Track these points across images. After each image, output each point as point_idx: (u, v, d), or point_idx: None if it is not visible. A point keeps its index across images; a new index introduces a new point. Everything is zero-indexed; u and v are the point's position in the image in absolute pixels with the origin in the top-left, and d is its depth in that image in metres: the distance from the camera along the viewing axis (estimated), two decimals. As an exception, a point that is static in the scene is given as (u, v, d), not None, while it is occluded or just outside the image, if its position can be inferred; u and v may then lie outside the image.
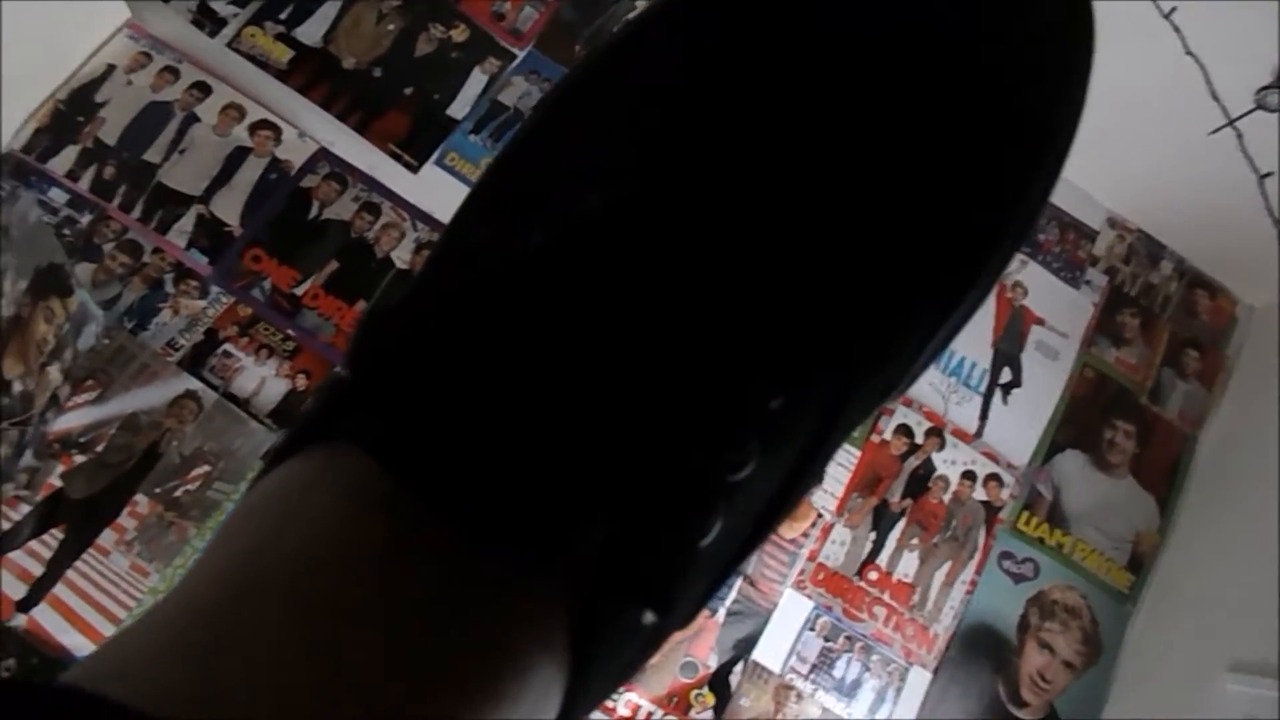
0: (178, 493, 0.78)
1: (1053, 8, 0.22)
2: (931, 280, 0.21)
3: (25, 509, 0.77)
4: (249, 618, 0.15)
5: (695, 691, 0.83)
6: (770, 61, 0.21)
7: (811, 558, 0.88)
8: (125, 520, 0.77)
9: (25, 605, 0.75)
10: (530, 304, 0.18)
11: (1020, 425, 0.97)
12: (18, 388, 0.77)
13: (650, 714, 0.82)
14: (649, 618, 0.18)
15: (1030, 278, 1.02)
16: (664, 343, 0.18)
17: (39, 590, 0.75)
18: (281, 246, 0.86)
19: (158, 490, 0.78)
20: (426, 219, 0.89)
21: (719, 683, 0.83)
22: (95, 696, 0.13)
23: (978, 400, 0.96)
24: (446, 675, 0.16)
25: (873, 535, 0.90)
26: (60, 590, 0.75)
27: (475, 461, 0.17)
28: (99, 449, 0.78)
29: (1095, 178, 1.05)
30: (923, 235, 0.21)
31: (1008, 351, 0.99)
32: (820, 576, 0.88)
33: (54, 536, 0.77)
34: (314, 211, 0.87)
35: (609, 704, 0.81)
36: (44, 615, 0.75)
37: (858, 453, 0.92)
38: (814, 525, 0.89)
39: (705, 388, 0.18)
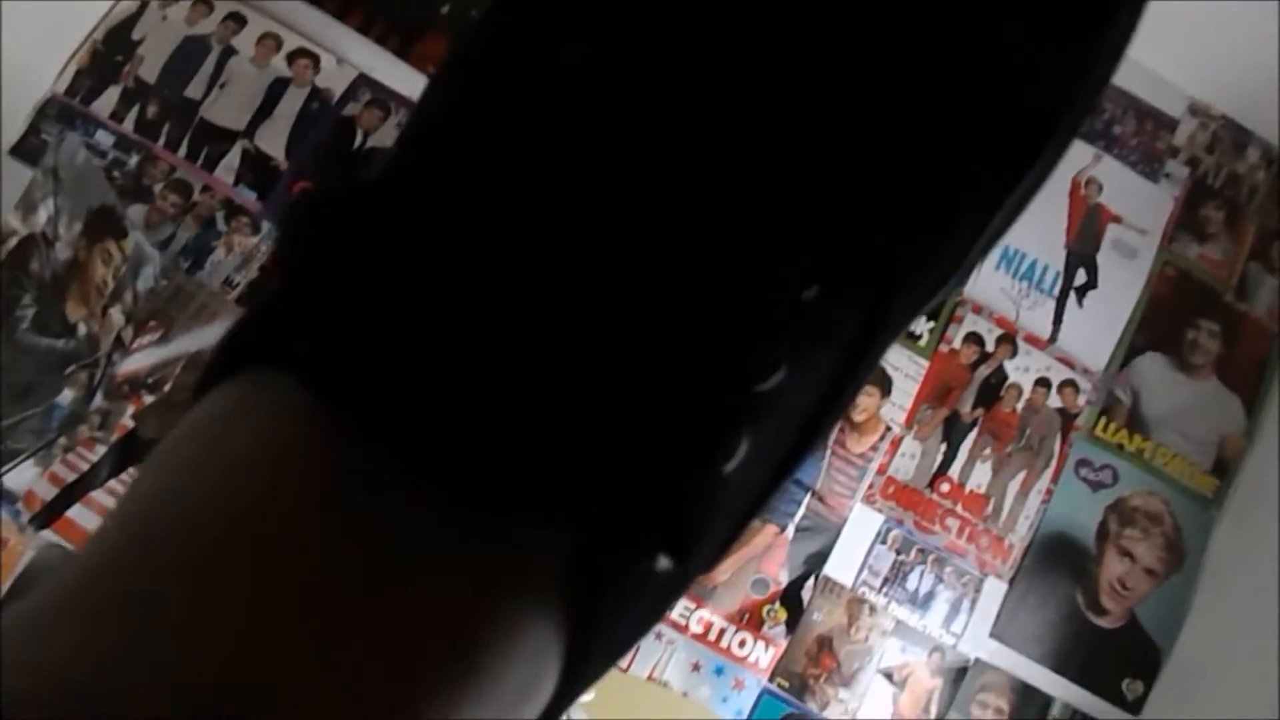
0: (245, 428, 0.79)
1: None
2: (990, 147, 0.18)
3: (101, 450, 0.78)
4: (154, 586, 0.12)
5: (767, 607, 0.82)
6: None
7: (881, 471, 0.86)
8: (197, 457, 0.78)
9: (109, 542, 0.77)
10: (501, 178, 0.14)
11: (1096, 329, 0.92)
12: (82, 330, 0.78)
13: (723, 630, 0.81)
14: (664, 563, 0.15)
15: (1105, 173, 0.96)
16: (669, 218, 0.15)
17: (121, 527, 0.77)
18: (329, 178, 0.84)
19: (226, 427, 0.79)
20: (472, 142, 0.87)
21: (791, 598, 0.83)
22: None
23: (1051, 304, 0.92)
24: (411, 640, 0.13)
25: (944, 447, 0.88)
26: (141, 526, 0.77)
27: (429, 382, 0.13)
28: (166, 388, 0.79)
29: (1174, 61, 0.98)
30: (977, 101, 0.18)
31: (1082, 252, 0.94)
32: (890, 490, 0.86)
33: (131, 475, 0.78)
34: (359, 140, 0.85)
35: (680, 620, 0.81)
36: (128, 551, 0.77)
37: (926, 363, 0.89)
38: (883, 438, 0.87)
39: (721, 273, 0.15)
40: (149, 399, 0.79)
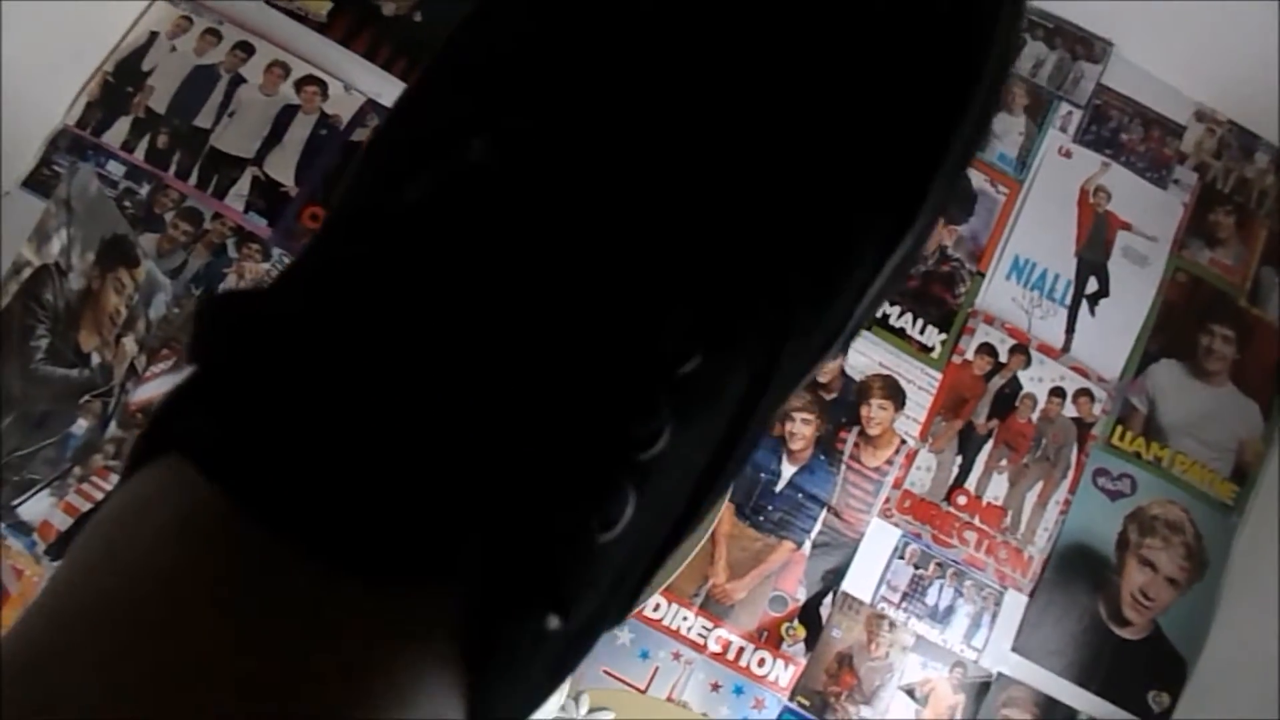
0: (259, 454, 0.79)
1: None
2: (867, 215, 0.19)
3: (115, 479, 0.78)
4: (59, 664, 0.13)
5: (786, 625, 0.82)
6: None
7: (897, 485, 0.86)
8: (211, 484, 0.78)
9: (124, 571, 0.77)
10: (395, 269, 0.15)
11: (1110, 337, 0.92)
12: (96, 360, 0.78)
13: (741, 649, 0.81)
14: (554, 623, 0.15)
15: (1113, 181, 0.97)
16: (554, 298, 0.15)
17: (136, 556, 0.77)
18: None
19: (239, 453, 0.79)
20: (480, 164, 0.87)
21: (809, 615, 0.82)
22: None
23: (1063, 313, 0.92)
24: (307, 707, 0.13)
25: (959, 459, 0.87)
26: (156, 555, 0.77)
27: (315, 463, 0.14)
28: (179, 416, 0.79)
29: (1179, 68, 0.99)
30: (854, 169, 0.18)
31: (1093, 260, 0.94)
32: (907, 504, 0.86)
33: (145, 504, 0.78)
34: (367, 165, 0.86)
35: (698, 640, 0.80)
36: (143, 580, 0.77)
37: (939, 375, 0.88)
38: (898, 452, 0.86)
39: (600, 348, 0.15)
40: (162, 427, 0.79)
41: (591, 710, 0.71)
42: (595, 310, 0.15)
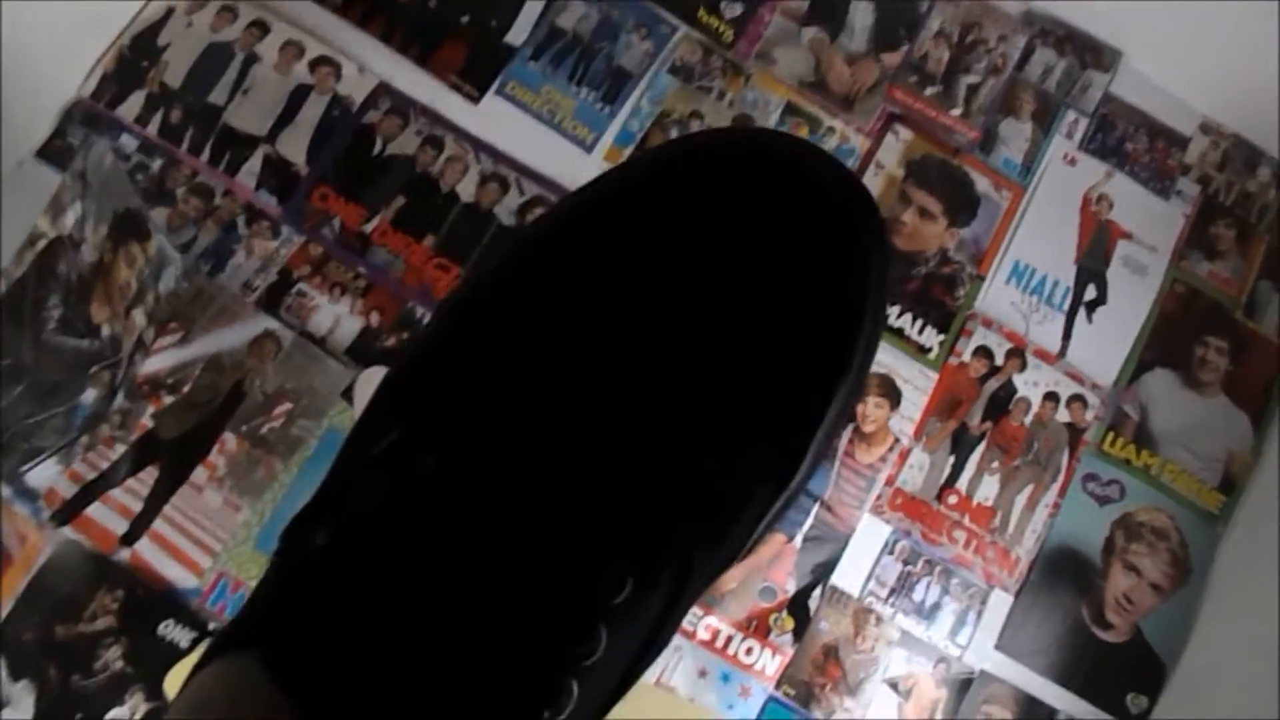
0: (263, 430, 0.82)
1: (832, 261, 0.26)
2: (757, 478, 0.26)
3: (121, 449, 0.81)
4: None
5: (774, 616, 0.85)
6: (583, 339, 0.25)
7: (889, 482, 0.89)
8: (215, 458, 0.81)
9: (128, 539, 0.79)
10: (377, 554, 0.22)
11: (1106, 344, 0.95)
12: (106, 332, 0.81)
13: (730, 637, 0.84)
14: None
15: (1117, 189, 0.99)
16: (516, 561, 0.22)
17: (140, 525, 0.80)
18: (348, 184, 0.87)
19: (244, 428, 0.82)
20: (490, 151, 0.90)
21: (798, 607, 0.85)
22: None
23: (1061, 319, 0.94)
24: None
25: (952, 459, 0.90)
26: (159, 525, 0.80)
27: (358, 696, 0.21)
28: (186, 389, 0.82)
29: (1187, 80, 1.01)
30: (746, 441, 0.25)
31: (1092, 268, 0.97)
32: (898, 501, 0.88)
33: (150, 474, 0.81)
34: (378, 148, 0.88)
35: (688, 627, 0.83)
36: (146, 549, 0.80)
37: (935, 375, 0.91)
38: (891, 450, 0.89)
39: (555, 594, 0.22)
40: (168, 399, 0.82)
41: (582, 691, 0.73)
42: (547, 568, 0.22)
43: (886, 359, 0.90)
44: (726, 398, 0.25)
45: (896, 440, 0.89)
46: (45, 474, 0.80)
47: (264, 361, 0.82)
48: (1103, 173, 0.99)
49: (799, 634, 0.85)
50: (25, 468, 0.79)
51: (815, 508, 0.87)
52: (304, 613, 0.23)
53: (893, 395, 0.90)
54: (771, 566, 0.85)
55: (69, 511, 0.80)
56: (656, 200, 0.26)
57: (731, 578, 0.84)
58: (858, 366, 0.28)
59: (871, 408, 0.89)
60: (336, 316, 0.84)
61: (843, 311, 0.27)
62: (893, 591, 0.87)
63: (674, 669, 0.82)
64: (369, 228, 0.86)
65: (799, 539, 0.86)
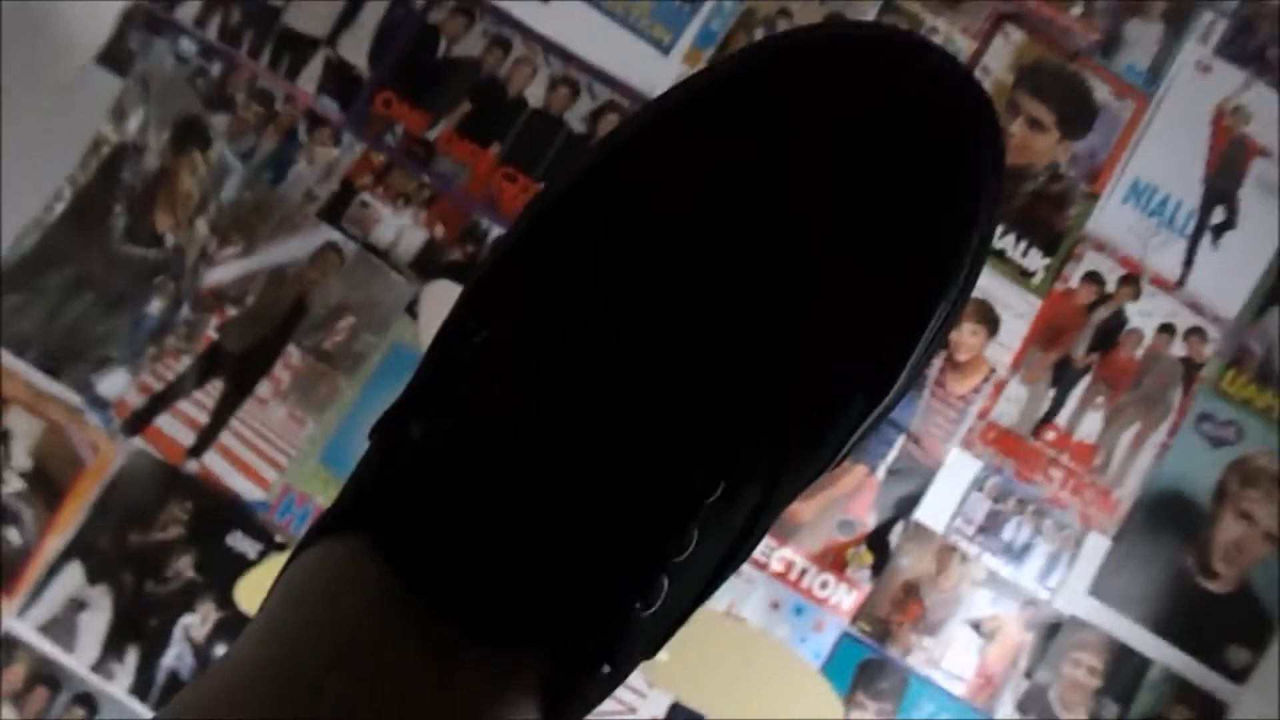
0: (326, 344, 0.81)
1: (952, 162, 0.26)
2: (850, 392, 0.26)
3: (187, 361, 0.81)
4: (277, 699, 0.21)
5: (852, 550, 0.82)
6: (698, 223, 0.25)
7: (982, 415, 0.84)
8: (280, 372, 0.81)
9: (195, 452, 0.80)
10: (501, 449, 0.23)
11: (1232, 272, 0.87)
12: (170, 241, 0.80)
13: (805, 570, 0.81)
14: (606, 670, 0.24)
15: (1254, 101, 0.90)
16: (616, 463, 0.23)
17: (206, 438, 0.80)
18: (411, 89, 0.84)
19: (307, 342, 0.81)
20: (560, 52, 0.85)
21: (878, 542, 0.82)
22: None
23: (1182, 244, 0.87)
24: None
25: (1052, 393, 0.85)
26: (226, 438, 0.80)
27: (465, 571, 0.22)
28: (249, 302, 0.81)
29: (1347, -29, 0.90)
30: (843, 347, 0.26)
31: (1222, 188, 0.88)
32: (991, 435, 0.84)
33: (215, 387, 0.81)
34: (442, 49, 0.85)
35: (760, 558, 0.81)
36: (213, 461, 0.80)
37: (1038, 302, 0.85)
38: (986, 380, 0.84)
39: (652, 490, 0.23)
40: (232, 312, 0.81)
41: (649, 620, 0.72)
42: (642, 464, 0.23)
43: (984, 282, 0.85)
44: (825, 303, 0.26)
45: (992, 370, 0.84)
46: (115, 384, 0.81)
47: (326, 274, 0.81)
48: (1239, 82, 0.90)
49: (878, 570, 0.82)
50: (96, 377, 0.80)
51: (900, 439, 0.83)
52: (404, 495, 0.23)
53: (990, 322, 0.84)
54: (851, 499, 0.82)
55: (138, 422, 0.81)
56: (746, 110, 0.26)
57: (808, 509, 0.82)
58: (963, 280, 0.27)
59: (966, 334, 0.84)
60: (400, 228, 0.82)
61: (951, 222, 0.26)
62: (980, 530, 0.83)
63: (745, 600, 0.81)
64: (433, 135, 0.83)
65: (881, 471, 0.83)
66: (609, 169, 0.27)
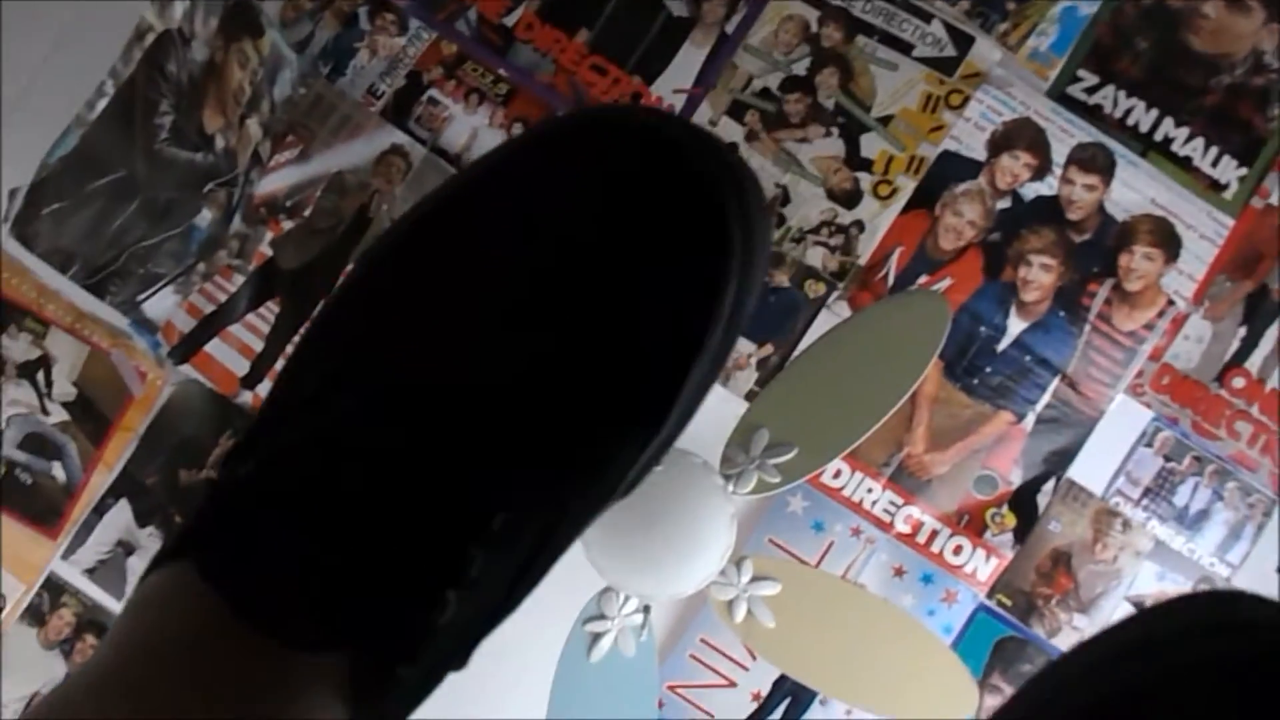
0: (392, 263, 0.76)
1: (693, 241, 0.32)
2: (621, 427, 0.32)
3: (239, 279, 0.77)
4: (118, 701, 0.27)
5: (993, 511, 0.74)
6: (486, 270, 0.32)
7: (1155, 356, 0.75)
8: (340, 293, 0.76)
9: (250, 381, 0.77)
10: (306, 488, 0.29)
11: None
12: (220, 143, 0.76)
13: (935, 532, 0.74)
14: (405, 671, 0.30)
15: None
16: (404, 496, 0.29)
17: (261, 366, 0.77)
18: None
19: (371, 260, 0.76)
20: (657, -77, 0.77)
21: (1023, 502, 0.75)
22: None
23: None
24: None
25: (1242, 331, 0.75)
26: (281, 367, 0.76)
27: (272, 589, 0.28)
28: (306, 213, 0.77)
29: None
30: (612, 389, 0.32)
31: None
32: (1165, 380, 0.75)
33: (270, 310, 0.77)
34: (519, -78, 0.78)
35: (884, 517, 0.74)
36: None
37: (1230, 222, 0.75)
38: (1161, 315, 0.75)
39: (430, 522, 0.29)
40: (287, 224, 0.78)
41: (754, 579, 0.66)
42: (428, 497, 0.29)
43: (1164, 197, 0.75)
44: (594, 352, 0.31)
45: (1170, 303, 0.75)
46: (163, 305, 0.78)
47: (391, 182, 0.76)
48: None
49: (1022, 535, 0.74)
50: (142, 296, 0.77)
51: (1054, 382, 0.74)
52: (230, 527, 0.29)
53: (1169, 244, 0.75)
54: (993, 451, 0.74)
55: (188, 348, 0.78)
56: (525, 186, 0.32)
57: (942, 460, 0.74)
58: (725, 325, 0.32)
59: (1139, 259, 0.74)
60: (473, 129, 0.77)
61: (704, 275, 0.31)
62: (1147, 492, 0.75)
63: (864, 564, 0.74)
64: (511, 20, 0.78)
65: (1030, 420, 0.74)
66: (414, 242, 0.33)
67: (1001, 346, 0.75)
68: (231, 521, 0.29)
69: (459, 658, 0.32)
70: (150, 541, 0.77)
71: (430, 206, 0.33)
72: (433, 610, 0.29)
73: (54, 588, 0.77)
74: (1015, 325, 0.75)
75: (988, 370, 0.75)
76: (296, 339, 0.73)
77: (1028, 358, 0.75)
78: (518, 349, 0.30)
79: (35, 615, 0.77)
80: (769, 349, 0.76)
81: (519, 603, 0.33)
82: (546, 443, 0.31)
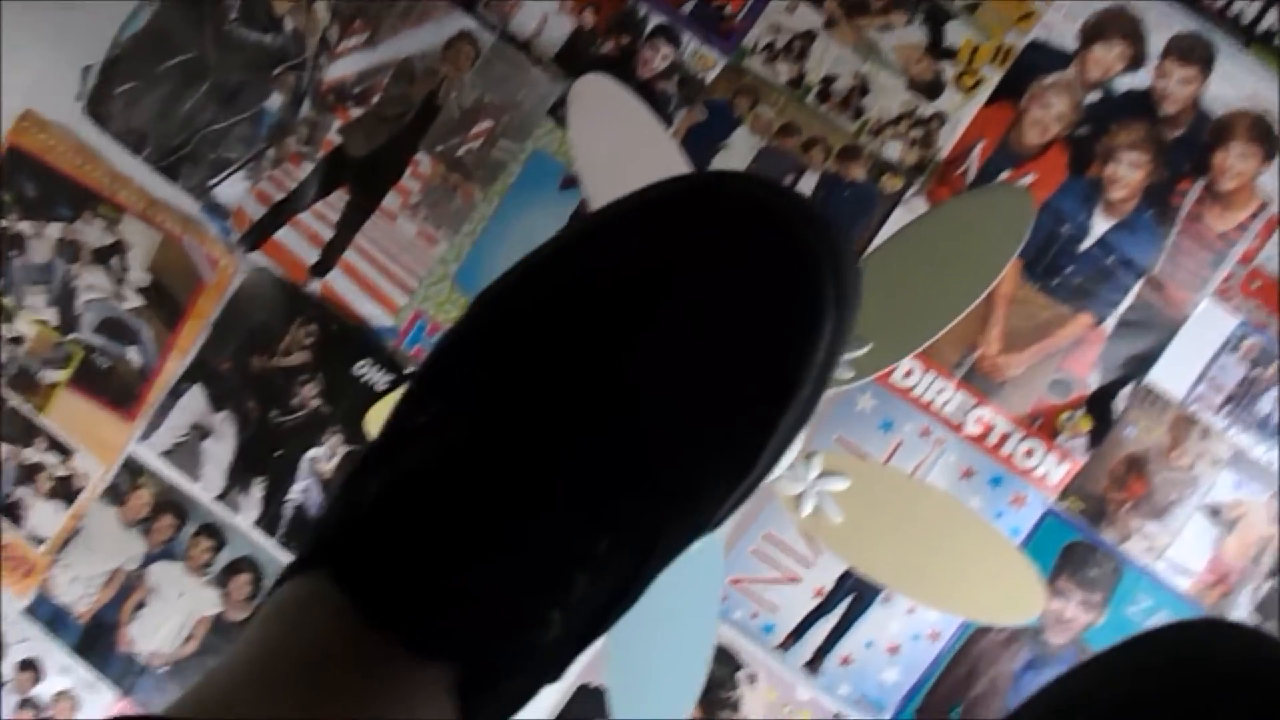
0: (460, 151, 0.77)
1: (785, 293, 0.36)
2: (715, 465, 0.36)
3: (308, 167, 0.79)
4: (257, 692, 0.30)
5: (1067, 415, 0.75)
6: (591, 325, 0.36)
7: (1246, 259, 0.74)
8: (408, 181, 0.78)
9: (319, 269, 0.80)
10: (431, 509, 0.33)
11: None
12: (289, 26, 0.77)
13: (1006, 435, 0.75)
14: (510, 684, 0.34)
15: None
16: (516, 522, 0.33)
17: (331, 254, 0.79)
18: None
19: (439, 148, 0.78)
20: None
21: (1099, 406, 0.75)
22: None
23: None
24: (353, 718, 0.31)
25: (1341, 234, 0.73)
26: (351, 256, 0.79)
27: (399, 599, 0.31)
28: (374, 101, 0.78)
29: None
30: (713, 432, 0.35)
31: None
32: (1256, 284, 0.74)
33: (339, 198, 0.79)
34: None
35: (954, 418, 0.75)
36: (338, 282, 0.79)
37: (1336, 115, 0.73)
38: (1255, 216, 0.74)
39: (542, 547, 0.33)
40: (355, 111, 0.79)
41: (823, 474, 0.68)
42: (542, 524, 0.33)
43: (1264, 91, 0.73)
44: (691, 405, 0.35)
45: (1264, 205, 0.74)
46: (233, 190, 0.80)
47: (460, 69, 0.77)
48: None
49: (1096, 439, 0.75)
50: (213, 181, 0.80)
51: (1138, 284, 0.74)
52: (361, 543, 0.32)
53: (1265, 141, 0.74)
54: (1070, 354, 0.75)
55: (258, 235, 0.80)
56: (640, 237, 0.36)
57: (1017, 362, 0.75)
58: (809, 393, 0.37)
59: (1234, 158, 0.74)
60: (544, 15, 0.77)
61: (795, 346, 0.35)
62: (1230, 399, 0.75)
63: (932, 465, 0.76)
64: None
65: (1111, 322, 0.75)
66: (525, 287, 0.37)
67: (1084, 246, 0.75)
68: (362, 538, 0.32)
69: (554, 673, 0.36)
70: (224, 425, 0.81)
71: (545, 254, 0.37)
72: (538, 628, 0.32)
73: (132, 469, 0.82)
74: (1100, 224, 0.75)
75: (1069, 270, 0.75)
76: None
77: (1111, 258, 0.75)
78: (623, 389, 0.34)
79: (115, 495, 0.82)
80: (842, 246, 0.76)
81: (611, 625, 0.37)
82: (647, 476, 0.34)
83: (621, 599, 0.36)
